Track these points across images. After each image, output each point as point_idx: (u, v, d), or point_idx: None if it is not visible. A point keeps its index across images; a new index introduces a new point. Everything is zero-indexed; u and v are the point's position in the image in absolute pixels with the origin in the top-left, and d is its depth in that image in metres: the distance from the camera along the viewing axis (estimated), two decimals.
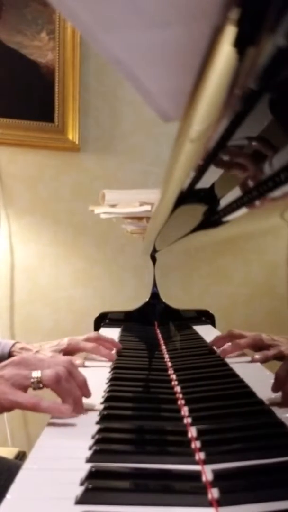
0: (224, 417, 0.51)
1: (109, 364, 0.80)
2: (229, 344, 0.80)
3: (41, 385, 0.53)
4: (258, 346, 0.76)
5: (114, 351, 0.87)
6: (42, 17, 1.63)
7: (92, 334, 0.90)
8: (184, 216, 0.66)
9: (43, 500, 0.36)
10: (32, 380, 0.52)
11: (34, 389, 0.53)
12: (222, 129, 0.29)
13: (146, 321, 1.18)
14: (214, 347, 0.86)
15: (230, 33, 0.21)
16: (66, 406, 0.51)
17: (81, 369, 0.78)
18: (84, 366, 0.80)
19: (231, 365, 0.72)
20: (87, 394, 0.56)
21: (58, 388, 0.53)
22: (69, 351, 0.84)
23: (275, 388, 0.55)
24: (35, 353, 0.82)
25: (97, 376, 0.72)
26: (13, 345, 0.83)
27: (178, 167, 0.42)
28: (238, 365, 0.73)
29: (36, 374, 0.53)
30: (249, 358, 0.76)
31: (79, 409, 0.53)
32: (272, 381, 0.56)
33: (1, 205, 1.65)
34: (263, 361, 0.72)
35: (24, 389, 0.53)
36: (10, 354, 0.82)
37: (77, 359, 0.81)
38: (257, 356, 0.73)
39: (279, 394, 0.53)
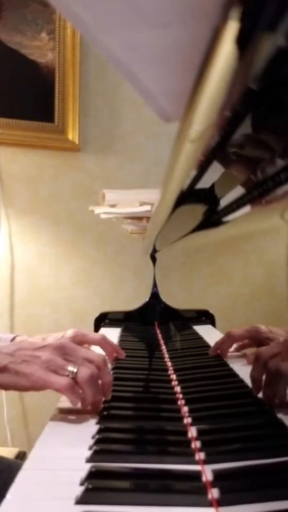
0: (224, 417, 0.51)
1: (109, 364, 0.80)
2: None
3: (73, 380, 0.53)
4: (255, 338, 0.75)
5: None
6: (42, 17, 1.63)
7: (98, 334, 0.88)
8: (184, 216, 0.66)
9: (43, 500, 0.36)
10: (66, 372, 0.53)
11: None
12: (222, 129, 0.29)
13: (146, 321, 1.18)
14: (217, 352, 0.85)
15: (230, 33, 0.21)
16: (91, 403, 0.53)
17: None
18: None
19: (231, 365, 0.72)
20: (107, 396, 0.56)
21: (86, 389, 0.53)
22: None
23: (254, 390, 0.55)
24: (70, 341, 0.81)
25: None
26: (13, 339, 0.82)
27: (178, 167, 0.42)
28: (238, 365, 0.73)
29: (72, 368, 0.53)
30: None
31: (96, 410, 0.54)
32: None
33: (1, 205, 1.65)
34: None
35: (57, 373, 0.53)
36: None
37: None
38: (248, 358, 0.73)
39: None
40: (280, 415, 0.50)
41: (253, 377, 0.56)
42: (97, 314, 1.21)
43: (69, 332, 0.83)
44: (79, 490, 0.36)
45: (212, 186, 0.46)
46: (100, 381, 0.55)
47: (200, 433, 0.47)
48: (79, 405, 0.53)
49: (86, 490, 0.35)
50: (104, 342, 0.82)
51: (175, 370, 0.73)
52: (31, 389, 0.53)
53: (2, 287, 1.64)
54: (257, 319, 0.76)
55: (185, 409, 0.54)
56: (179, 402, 0.57)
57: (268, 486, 0.36)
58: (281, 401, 0.51)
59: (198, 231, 0.71)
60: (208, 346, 0.88)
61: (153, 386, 0.68)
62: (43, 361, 0.53)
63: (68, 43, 1.66)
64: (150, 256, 1.22)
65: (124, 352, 0.85)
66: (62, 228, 1.69)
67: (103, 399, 0.56)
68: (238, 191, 0.44)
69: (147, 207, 1.09)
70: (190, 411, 0.53)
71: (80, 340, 0.82)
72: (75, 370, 0.53)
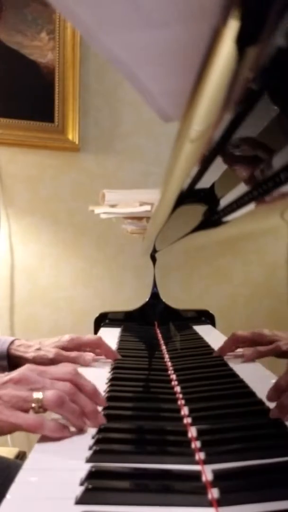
0: (224, 417, 0.51)
1: (109, 364, 0.80)
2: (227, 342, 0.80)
3: (42, 410, 0.48)
4: (259, 341, 0.75)
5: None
6: (42, 17, 1.63)
7: (95, 336, 0.88)
8: (184, 216, 0.66)
9: (43, 500, 0.36)
10: (32, 404, 0.48)
11: (36, 412, 0.48)
12: (222, 129, 0.29)
13: (146, 321, 1.18)
14: (212, 345, 0.85)
15: (230, 33, 0.21)
16: (76, 424, 0.48)
17: (81, 368, 0.78)
18: (90, 366, 0.78)
19: (231, 365, 0.72)
20: (101, 403, 0.53)
21: (62, 411, 0.48)
22: (70, 349, 0.82)
23: (272, 397, 0.52)
24: (37, 350, 0.80)
25: (97, 376, 0.72)
26: (11, 342, 0.81)
27: (178, 167, 0.42)
28: (238, 365, 0.73)
29: (37, 395, 0.48)
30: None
31: (97, 421, 0.49)
32: (273, 381, 0.56)
33: (1, 205, 1.65)
34: (254, 358, 0.72)
35: (25, 411, 0.48)
36: (8, 352, 0.81)
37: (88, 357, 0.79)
38: (247, 352, 0.72)
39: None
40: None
41: (279, 385, 0.52)
42: (97, 314, 1.21)
43: (66, 337, 0.83)
44: (79, 490, 0.36)
45: (212, 186, 0.46)
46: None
47: (200, 433, 0.47)
48: (67, 431, 0.48)
49: (86, 490, 0.35)
50: (101, 342, 0.82)
51: (175, 370, 0.73)
52: (2, 435, 0.47)
53: (2, 287, 1.64)
54: (257, 319, 0.76)
55: (185, 409, 0.54)
56: (179, 402, 0.57)
57: (268, 486, 0.36)
58: None
59: (198, 231, 0.71)
60: (208, 346, 0.88)
61: (153, 386, 0.68)
62: (6, 401, 0.47)
63: (68, 43, 1.66)
64: (150, 256, 1.22)
65: (122, 353, 0.85)
66: (62, 228, 1.69)
67: (98, 407, 0.51)
68: (238, 191, 0.44)
69: (147, 207, 1.09)
70: (190, 411, 0.53)
71: (77, 343, 0.82)
72: (40, 396, 0.48)
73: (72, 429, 0.49)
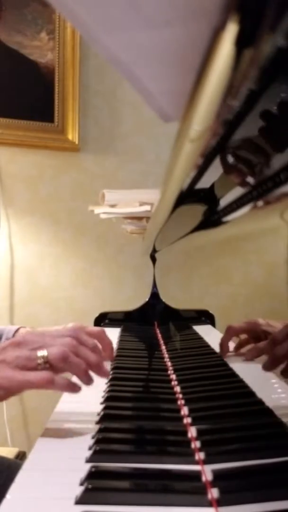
0: (224, 417, 0.51)
1: (109, 364, 0.80)
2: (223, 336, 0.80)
3: (48, 366, 0.48)
4: (253, 331, 0.75)
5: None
6: (42, 17, 1.63)
7: (96, 328, 0.89)
8: (184, 216, 0.66)
9: (43, 500, 0.36)
10: (38, 361, 0.47)
11: (42, 370, 0.47)
12: (222, 129, 0.29)
13: (146, 321, 1.18)
14: (211, 345, 0.85)
15: (230, 33, 0.21)
16: (82, 379, 0.48)
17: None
18: None
19: (231, 365, 0.72)
20: (109, 356, 0.52)
21: (68, 365, 0.48)
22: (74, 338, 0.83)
23: (267, 350, 0.51)
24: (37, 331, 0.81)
25: (97, 376, 0.72)
26: (16, 330, 0.81)
27: (178, 167, 0.42)
28: (238, 365, 0.73)
29: (41, 353, 0.48)
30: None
31: (103, 373, 0.50)
32: (273, 381, 0.56)
33: (1, 205, 1.65)
34: (255, 356, 0.72)
35: (30, 370, 0.48)
36: None
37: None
38: (247, 354, 0.73)
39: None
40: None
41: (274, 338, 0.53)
42: (97, 314, 1.21)
43: (69, 325, 0.83)
44: (79, 490, 0.36)
45: (212, 186, 0.46)
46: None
47: (199, 433, 0.47)
48: (77, 391, 0.47)
49: (86, 490, 0.35)
50: (103, 335, 0.82)
51: (175, 370, 0.73)
52: (8, 396, 0.47)
53: (2, 287, 1.64)
54: (257, 319, 0.76)
55: (185, 409, 0.54)
56: (178, 402, 0.57)
57: (268, 486, 0.36)
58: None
59: (198, 231, 0.71)
60: (208, 346, 0.88)
61: (153, 386, 0.68)
62: (9, 362, 0.47)
63: (68, 43, 1.66)
64: (150, 256, 1.22)
65: (122, 353, 0.86)
66: (62, 228, 1.69)
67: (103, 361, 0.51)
68: (238, 191, 0.44)
69: (147, 207, 1.09)
70: (190, 411, 0.53)
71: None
72: (45, 353, 0.47)
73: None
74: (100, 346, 0.83)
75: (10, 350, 0.49)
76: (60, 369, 0.49)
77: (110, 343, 0.83)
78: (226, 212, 0.52)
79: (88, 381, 0.49)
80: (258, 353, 0.72)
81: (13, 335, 0.82)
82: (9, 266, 1.65)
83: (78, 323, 0.84)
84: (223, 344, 0.79)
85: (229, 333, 0.78)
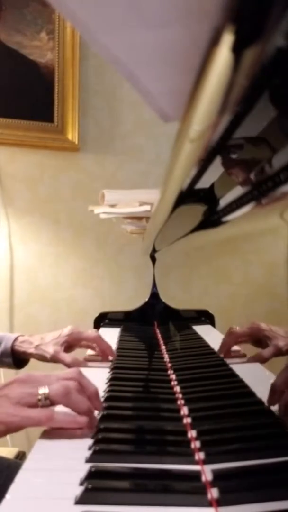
0: (223, 417, 0.51)
1: (109, 364, 0.80)
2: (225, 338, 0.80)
3: (49, 402, 0.49)
4: (256, 335, 0.75)
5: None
6: (41, 17, 1.63)
7: (93, 332, 0.89)
8: (183, 216, 0.66)
9: (42, 500, 0.36)
10: (39, 397, 0.48)
11: (42, 406, 0.49)
12: (222, 129, 0.29)
13: (146, 321, 1.18)
14: (211, 345, 0.85)
15: (230, 33, 0.21)
16: (82, 417, 0.48)
17: (81, 368, 0.78)
18: (87, 366, 0.80)
19: (231, 365, 0.72)
20: (98, 406, 0.52)
21: (68, 401, 0.49)
22: (71, 343, 0.84)
23: (271, 401, 0.51)
24: (37, 346, 0.81)
25: (97, 376, 0.72)
26: (15, 339, 0.83)
27: (178, 167, 0.42)
28: (238, 365, 0.73)
29: (43, 390, 0.49)
30: (249, 359, 0.76)
31: (91, 422, 0.49)
32: (272, 381, 0.55)
33: (0, 205, 1.65)
34: (262, 362, 0.72)
35: (31, 407, 0.49)
36: (12, 348, 0.83)
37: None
38: (250, 358, 0.73)
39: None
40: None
41: (274, 386, 0.52)
42: (96, 314, 1.21)
43: (66, 330, 0.84)
44: (78, 490, 0.36)
45: (212, 186, 0.46)
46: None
47: (199, 433, 0.47)
48: (80, 424, 0.48)
49: (86, 490, 0.35)
50: (99, 339, 0.83)
51: (175, 370, 0.73)
52: (7, 432, 0.47)
53: (2, 288, 1.64)
54: (257, 319, 0.76)
55: (184, 409, 0.54)
56: (178, 402, 0.57)
57: (268, 486, 0.36)
58: None
59: (198, 231, 0.71)
60: (208, 346, 0.88)
61: (152, 386, 0.68)
62: (11, 398, 0.48)
63: (67, 43, 1.66)
64: (150, 256, 1.22)
65: (122, 353, 0.86)
66: (61, 228, 1.69)
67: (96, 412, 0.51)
68: (238, 191, 0.44)
69: (147, 207, 1.09)
70: (190, 411, 0.53)
71: (76, 338, 0.84)
72: (46, 391, 0.49)
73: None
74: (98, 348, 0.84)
75: (14, 387, 0.50)
76: (64, 405, 0.50)
77: (108, 346, 0.84)
78: (226, 212, 0.52)
79: (89, 417, 0.49)
80: (263, 361, 0.71)
81: (12, 343, 0.82)
82: (9, 266, 1.65)
83: (74, 327, 0.84)
84: (225, 348, 0.78)
85: (231, 338, 0.78)
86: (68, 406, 0.50)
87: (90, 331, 0.88)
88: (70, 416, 0.48)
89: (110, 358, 0.84)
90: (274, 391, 0.52)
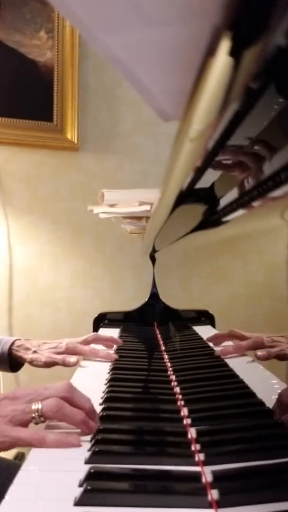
0: (224, 418, 0.51)
1: (108, 364, 0.80)
2: (231, 344, 0.80)
3: (42, 419, 0.48)
4: (259, 348, 0.75)
5: (113, 350, 0.87)
6: (41, 16, 1.63)
7: (90, 336, 0.89)
8: (183, 216, 0.66)
9: (42, 501, 0.35)
10: (32, 414, 0.47)
11: (36, 423, 0.48)
12: (222, 128, 0.29)
13: (146, 322, 1.18)
14: (211, 345, 0.85)
15: (230, 32, 0.21)
16: (74, 436, 0.47)
17: (80, 369, 0.78)
18: (83, 366, 0.80)
19: (231, 366, 0.72)
20: (94, 420, 0.50)
21: (63, 416, 0.48)
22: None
23: (279, 414, 0.50)
24: (33, 353, 0.82)
25: (96, 377, 0.72)
26: (12, 343, 0.83)
27: (178, 167, 0.42)
28: (238, 365, 0.72)
29: (36, 406, 0.48)
30: (249, 359, 0.76)
31: (91, 428, 0.48)
32: (273, 381, 0.55)
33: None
34: (266, 358, 0.71)
35: (24, 425, 0.47)
36: (10, 352, 0.83)
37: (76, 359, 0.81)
38: (259, 353, 0.72)
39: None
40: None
41: (281, 400, 0.51)
42: (96, 315, 1.21)
43: (63, 344, 0.84)
44: (78, 491, 0.36)
45: (212, 185, 0.46)
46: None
47: (199, 434, 0.46)
48: (73, 444, 0.46)
49: (85, 492, 0.35)
50: (95, 354, 0.83)
51: (175, 371, 0.73)
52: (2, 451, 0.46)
53: (1, 287, 1.64)
54: (257, 319, 0.76)
55: (184, 410, 0.54)
56: (178, 403, 0.57)
57: (268, 487, 0.36)
58: None
59: (198, 231, 0.71)
60: (208, 346, 0.88)
61: (152, 387, 0.68)
62: (3, 417, 0.46)
63: (67, 42, 1.65)
64: (150, 256, 1.22)
65: (121, 353, 0.86)
66: (61, 228, 1.69)
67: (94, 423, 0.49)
68: (238, 190, 0.44)
69: (147, 207, 1.09)
70: (190, 412, 0.53)
71: (71, 352, 0.84)
72: (39, 406, 0.47)
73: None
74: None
75: (5, 404, 0.48)
76: (59, 420, 0.49)
77: (110, 338, 0.85)
78: (226, 211, 0.52)
79: (85, 430, 0.48)
80: (269, 357, 0.71)
81: (10, 347, 0.82)
82: (8, 266, 1.64)
83: (70, 343, 0.84)
84: (225, 353, 0.79)
85: (235, 351, 0.78)
86: (63, 420, 0.49)
87: (87, 340, 0.87)
88: (62, 436, 0.47)
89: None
90: (281, 405, 0.51)
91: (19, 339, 0.85)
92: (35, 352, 0.82)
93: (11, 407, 0.48)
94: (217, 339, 0.86)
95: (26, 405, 0.48)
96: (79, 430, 0.48)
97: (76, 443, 0.46)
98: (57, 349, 0.83)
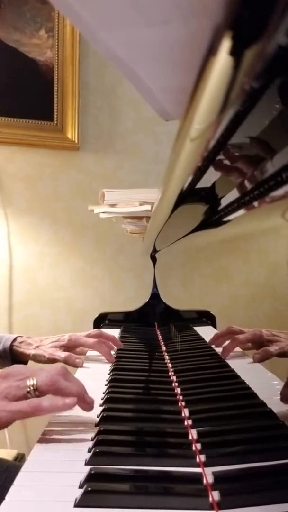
0: (225, 419, 0.51)
1: (109, 365, 0.80)
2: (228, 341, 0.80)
3: (37, 393, 0.49)
4: (258, 341, 0.75)
5: (113, 351, 0.87)
6: (41, 15, 1.62)
7: (94, 331, 0.90)
8: (184, 216, 0.65)
9: (42, 502, 0.35)
10: (27, 389, 0.48)
11: (32, 398, 0.48)
12: (223, 127, 0.29)
13: (146, 322, 1.17)
14: (213, 346, 0.85)
15: (231, 30, 0.20)
16: (70, 399, 0.48)
17: (80, 370, 0.78)
18: (83, 367, 0.80)
19: (233, 366, 0.72)
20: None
21: (58, 389, 0.49)
22: (69, 348, 0.83)
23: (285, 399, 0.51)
24: (36, 348, 0.81)
25: (97, 377, 0.72)
26: (14, 339, 0.83)
27: (178, 166, 0.42)
28: (240, 366, 0.72)
29: (31, 381, 0.49)
30: (250, 359, 0.75)
31: (87, 401, 0.50)
32: (274, 382, 0.55)
33: None
34: (263, 359, 0.71)
35: (20, 400, 0.48)
36: (11, 348, 0.82)
37: (77, 358, 0.81)
38: (257, 355, 0.72)
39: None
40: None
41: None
42: (96, 315, 1.21)
43: (65, 337, 0.84)
44: (78, 492, 0.35)
45: (213, 185, 0.46)
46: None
47: (200, 435, 0.46)
48: (69, 405, 0.47)
49: (86, 493, 0.35)
50: (98, 346, 0.83)
51: (176, 372, 0.73)
52: (2, 428, 0.47)
53: (1, 288, 1.64)
54: (258, 320, 0.75)
55: (185, 411, 0.54)
56: (179, 404, 0.57)
57: (269, 488, 0.36)
58: None
59: (199, 231, 0.71)
60: (209, 347, 0.87)
61: (153, 387, 0.67)
62: (0, 393, 0.48)
63: (67, 41, 1.65)
64: (150, 256, 1.22)
65: (122, 354, 0.86)
66: (61, 228, 1.69)
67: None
68: (239, 190, 0.44)
69: (147, 207, 1.09)
70: (191, 413, 0.53)
71: (74, 343, 0.84)
72: (34, 382, 0.49)
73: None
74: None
75: (0, 381, 0.49)
76: (54, 394, 0.49)
77: (107, 351, 0.84)
78: (227, 211, 0.52)
79: (84, 403, 0.49)
80: (269, 356, 0.71)
81: (11, 343, 0.82)
82: (8, 266, 1.64)
83: (72, 335, 0.84)
84: (226, 352, 0.78)
85: (234, 344, 0.78)
86: (58, 394, 0.49)
87: (91, 334, 0.87)
88: (58, 400, 0.48)
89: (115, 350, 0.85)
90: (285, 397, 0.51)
91: (20, 336, 0.85)
92: (37, 347, 0.82)
93: (4, 384, 0.49)
94: (217, 339, 0.85)
95: (21, 381, 0.49)
96: (75, 399, 0.49)
97: (71, 403, 0.47)
98: (59, 342, 0.83)
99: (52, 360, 0.80)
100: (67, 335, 0.85)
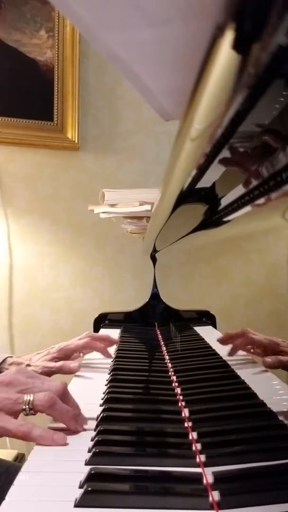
0: (225, 419, 0.51)
1: (109, 366, 0.80)
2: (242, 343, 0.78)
3: (33, 412, 0.48)
4: (272, 349, 0.74)
5: (114, 350, 0.87)
6: (41, 15, 1.62)
7: (84, 335, 0.88)
8: (184, 216, 0.65)
9: (42, 502, 0.35)
10: (23, 406, 0.48)
11: (26, 415, 0.48)
12: (223, 127, 0.29)
13: (146, 322, 1.17)
14: (214, 345, 0.85)
15: (231, 30, 0.20)
16: (59, 434, 0.47)
17: (80, 370, 0.77)
18: (78, 375, 0.78)
19: (232, 367, 0.72)
20: (79, 427, 0.50)
21: (53, 411, 0.48)
22: (62, 358, 0.81)
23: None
24: (26, 367, 0.78)
25: (97, 378, 0.72)
26: (3, 361, 0.80)
27: (179, 166, 0.42)
28: (240, 366, 0.72)
29: (27, 397, 0.48)
30: (250, 359, 0.75)
31: (79, 427, 0.49)
32: (274, 382, 0.55)
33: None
34: (273, 367, 0.70)
35: (15, 414, 0.48)
36: (1, 370, 0.80)
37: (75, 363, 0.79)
38: (268, 359, 0.71)
39: None
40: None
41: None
42: (96, 315, 1.21)
43: (54, 349, 0.82)
44: (78, 492, 0.35)
45: (213, 185, 0.46)
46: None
47: (200, 435, 0.46)
48: (57, 443, 0.46)
49: (86, 493, 0.35)
50: (91, 343, 0.82)
51: (176, 372, 0.73)
52: None
53: (1, 288, 1.64)
54: (258, 320, 0.75)
55: (185, 411, 0.54)
56: (179, 404, 0.57)
57: (269, 488, 0.36)
58: None
59: (199, 230, 0.71)
60: (209, 347, 0.87)
61: (153, 387, 0.67)
62: None
63: (67, 41, 1.65)
64: (150, 256, 1.22)
65: (122, 354, 0.85)
66: (61, 228, 1.69)
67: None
68: (239, 190, 0.44)
69: (147, 207, 1.09)
70: (191, 413, 0.53)
71: (66, 352, 0.81)
72: (31, 398, 0.48)
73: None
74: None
75: None
76: (48, 415, 0.49)
77: (102, 347, 0.83)
78: (228, 211, 0.52)
79: (74, 428, 0.49)
80: (280, 364, 0.70)
81: (0, 365, 0.79)
82: (8, 266, 1.64)
83: (62, 344, 0.82)
84: (236, 349, 0.77)
85: (246, 341, 0.77)
86: (52, 416, 0.49)
87: (81, 337, 0.86)
88: (48, 433, 0.47)
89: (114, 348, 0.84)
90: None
91: (10, 356, 0.81)
92: (28, 365, 0.79)
93: (3, 395, 0.48)
94: (227, 340, 0.83)
95: (19, 396, 0.48)
96: (63, 433, 0.48)
97: (61, 442, 0.46)
98: (50, 354, 0.80)
99: (48, 373, 0.77)
100: (56, 346, 0.83)
